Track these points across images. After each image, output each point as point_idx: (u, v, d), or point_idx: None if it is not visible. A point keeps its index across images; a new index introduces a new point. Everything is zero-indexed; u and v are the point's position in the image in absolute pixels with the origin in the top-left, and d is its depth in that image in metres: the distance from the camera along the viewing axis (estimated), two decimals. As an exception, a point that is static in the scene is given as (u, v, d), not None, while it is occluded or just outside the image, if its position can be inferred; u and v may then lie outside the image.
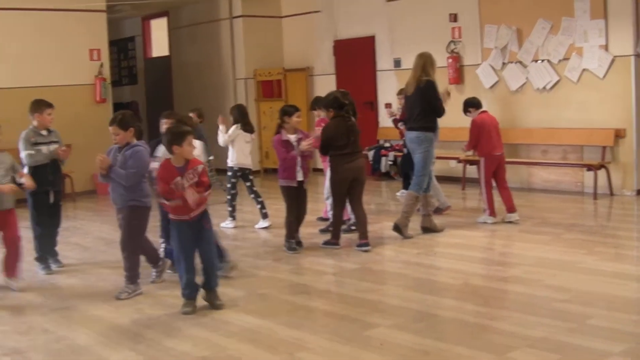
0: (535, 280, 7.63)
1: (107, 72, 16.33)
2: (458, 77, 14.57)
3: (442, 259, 8.80)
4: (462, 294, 7.46)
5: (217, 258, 7.48)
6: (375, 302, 7.28)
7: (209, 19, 18.92)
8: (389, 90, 15.94)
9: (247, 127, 11.45)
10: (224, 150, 11.41)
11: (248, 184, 11.41)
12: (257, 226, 11.35)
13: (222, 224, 11.37)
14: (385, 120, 15.74)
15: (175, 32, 20.34)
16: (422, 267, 8.52)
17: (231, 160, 11.34)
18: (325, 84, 17.07)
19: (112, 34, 18.43)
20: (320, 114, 10.87)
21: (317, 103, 11.26)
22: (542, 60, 13.37)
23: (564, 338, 5.88)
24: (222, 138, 11.35)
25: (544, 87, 13.40)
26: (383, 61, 16.25)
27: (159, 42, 21.43)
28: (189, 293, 7.17)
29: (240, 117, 11.44)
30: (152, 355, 6.00)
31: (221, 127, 11.39)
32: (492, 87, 14.17)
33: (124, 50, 22.80)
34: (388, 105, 15.23)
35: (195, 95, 19.05)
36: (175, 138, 7.01)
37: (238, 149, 11.30)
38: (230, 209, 11.46)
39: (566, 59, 13.08)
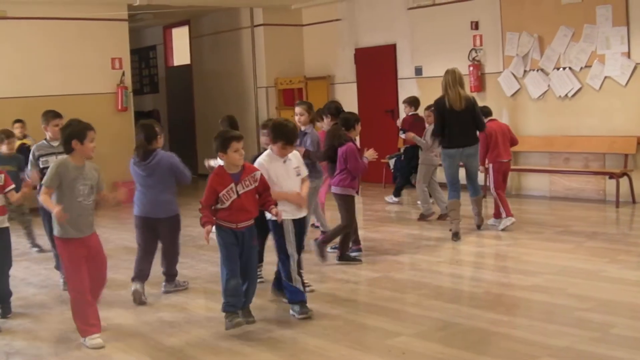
0: (558, 289, 7.59)
1: (128, 80, 16.39)
2: (479, 84, 14.53)
3: (463, 267, 8.77)
4: (484, 302, 7.44)
5: (256, 276, 7.18)
6: (396, 310, 7.26)
7: (230, 27, 18.96)
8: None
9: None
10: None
11: None
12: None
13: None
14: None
15: (197, 40, 20.39)
16: (444, 275, 8.49)
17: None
18: (346, 92, 17.08)
19: (134, 42, 18.48)
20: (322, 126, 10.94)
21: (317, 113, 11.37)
22: (564, 68, 13.32)
23: (586, 347, 5.84)
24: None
25: (566, 95, 13.34)
26: (404, 69, 16.21)
27: (181, 51, 21.50)
28: (235, 302, 6.72)
29: (231, 127, 11.53)
30: (173, 364, 6.02)
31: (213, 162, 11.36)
32: (513, 95, 14.12)
33: (145, 58, 22.89)
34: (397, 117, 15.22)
35: (217, 104, 19.08)
36: (219, 145, 6.68)
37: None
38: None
39: (588, 66, 13.02)
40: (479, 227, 10.83)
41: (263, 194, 6.82)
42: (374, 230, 11.22)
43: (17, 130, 11.88)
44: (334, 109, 9.88)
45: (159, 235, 8.00)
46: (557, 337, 6.11)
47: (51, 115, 8.94)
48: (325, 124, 10.04)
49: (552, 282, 7.86)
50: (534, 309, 7.09)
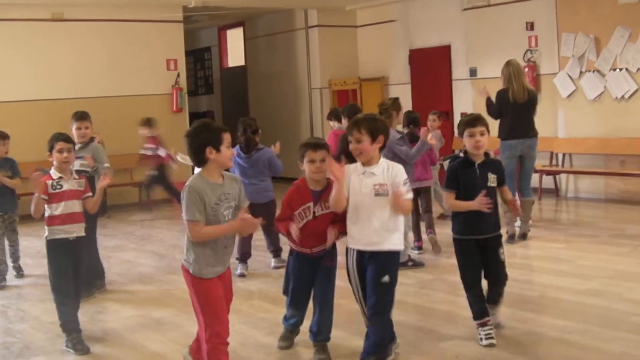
0: (613, 293, 7.52)
1: (183, 82, 16.51)
2: (535, 86, 14.37)
3: (518, 271, 8.70)
4: (539, 306, 7.39)
5: (330, 305, 6.13)
6: (450, 313, 7.24)
7: (285, 29, 19.02)
8: (465, 100, 15.85)
9: None
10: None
11: None
12: None
13: None
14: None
15: (251, 42, 20.48)
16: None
17: None
18: (401, 94, 16.97)
19: (189, 44, 18.62)
20: (334, 125, 11.11)
21: (333, 114, 11.58)
22: (621, 69, 13.17)
23: (642, 353, 5.79)
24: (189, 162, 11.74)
25: (622, 96, 13.19)
26: (459, 70, 16.15)
27: (235, 52, 21.60)
28: (291, 326, 6.38)
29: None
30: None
31: (180, 156, 12.21)
32: (569, 96, 13.98)
33: (200, 60, 23.03)
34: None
35: (271, 105, 19.17)
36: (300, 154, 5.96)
37: None
38: None
39: (645, 67, 12.89)
40: (524, 236, 10.39)
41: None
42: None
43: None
44: (353, 112, 10.06)
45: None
46: (612, 342, 6.06)
47: (73, 117, 8.56)
48: (344, 125, 10.27)
49: (608, 286, 7.79)
50: (589, 313, 7.02)
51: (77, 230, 6.69)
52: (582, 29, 13.66)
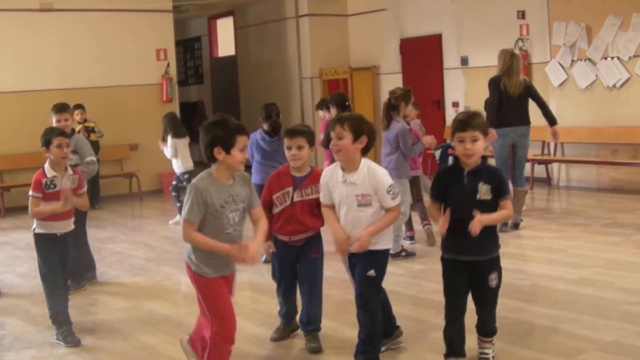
0: (606, 282, 7.52)
1: (173, 71, 16.46)
2: (526, 75, 14.31)
3: (509, 260, 8.66)
4: (531, 295, 7.39)
5: (319, 294, 6.10)
6: (441, 303, 7.17)
7: (275, 18, 18.96)
8: (457, 89, 15.83)
9: (179, 133, 12.09)
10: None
11: (185, 183, 11.96)
12: (172, 222, 12.19)
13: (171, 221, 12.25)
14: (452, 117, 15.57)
15: (241, 31, 20.42)
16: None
17: (180, 167, 12.01)
18: (392, 83, 16.95)
19: (179, 33, 18.58)
20: (325, 115, 11.18)
21: (322, 104, 11.64)
22: (612, 58, 13.15)
23: (635, 342, 5.79)
24: (168, 152, 12.07)
25: (614, 85, 13.18)
26: (450, 59, 16.11)
27: (225, 42, 21.56)
28: (283, 317, 6.38)
29: (171, 125, 12.16)
30: (218, 356, 6.01)
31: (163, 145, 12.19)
32: (560, 85, 13.96)
33: (190, 50, 22.99)
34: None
35: (261, 95, 19.09)
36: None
37: (182, 156, 11.99)
38: (179, 204, 12.02)
39: (637, 55, 12.84)
40: (516, 226, 10.40)
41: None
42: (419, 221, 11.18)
43: (78, 116, 12.23)
44: (341, 100, 10.24)
45: None
46: (605, 331, 6.06)
47: (55, 109, 8.29)
48: (332, 114, 10.34)
49: (600, 275, 7.79)
50: (581, 302, 7.01)
51: (66, 226, 6.60)
52: (573, 18, 13.63)
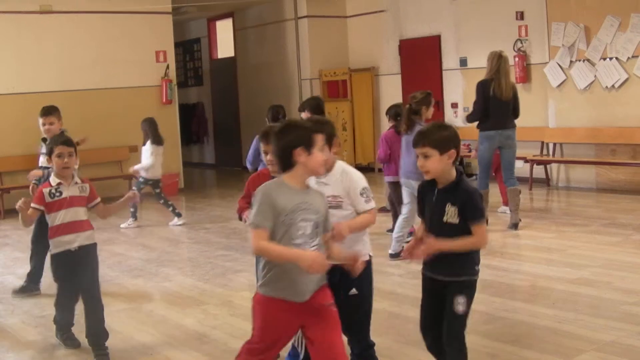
0: (605, 283, 7.52)
1: (173, 73, 16.47)
2: (525, 75, 14.41)
3: (509, 260, 8.70)
4: (530, 296, 7.40)
5: None
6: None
7: (274, 19, 18.98)
8: (456, 90, 15.85)
9: (159, 140, 12.19)
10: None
11: (157, 190, 12.26)
12: (171, 224, 12.27)
13: (122, 225, 12.34)
14: (451, 119, 15.60)
15: (241, 33, 20.44)
16: (489, 268, 8.43)
17: (147, 173, 12.10)
18: (391, 84, 17.05)
19: (178, 35, 18.58)
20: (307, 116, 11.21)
21: (304, 105, 11.61)
22: (611, 58, 13.16)
23: (633, 342, 5.79)
24: (146, 157, 12.17)
25: (613, 86, 13.18)
26: (449, 60, 16.13)
27: (225, 43, 21.56)
28: None
29: (151, 130, 12.25)
30: (218, 357, 6.03)
31: (137, 167, 12.27)
32: (559, 86, 13.97)
33: (189, 51, 22.99)
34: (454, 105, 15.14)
35: (261, 96, 19.10)
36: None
37: (156, 162, 12.11)
38: (132, 209, 12.31)
39: (635, 56, 12.84)
40: (515, 226, 10.40)
41: None
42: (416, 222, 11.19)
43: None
44: (315, 105, 10.11)
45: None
46: (603, 332, 6.06)
47: (41, 112, 8.17)
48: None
49: (599, 276, 7.79)
50: (579, 302, 7.02)
51: (79, 239, 6.08)
52: (572, 18, 13.64)
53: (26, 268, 8.47)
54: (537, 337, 6.14)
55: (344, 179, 4.89)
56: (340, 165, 4.97)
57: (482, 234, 4.53)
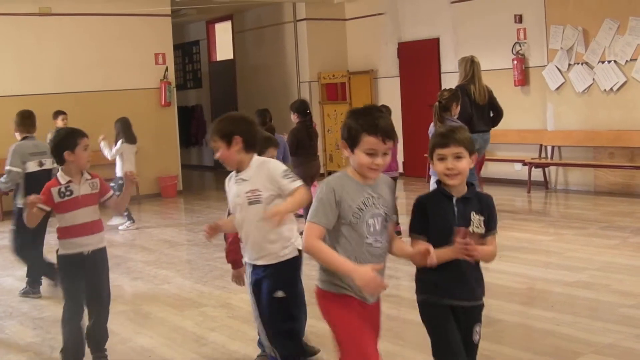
0: (602, 285, 7.53)
1: (172, 75, 16.48)
2: (523, 78, 14.42)
3: (507, 263, 8.70)
4: (528, 298, 7.41)
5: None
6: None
7: (273, 22, 18.99)
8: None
9: (131, 139, 12.40)
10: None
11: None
12: (121, 227, 12.33)
13: (121, 227, 12.34)
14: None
15: (240, 35, 20.45)
16: (487, 270, 8.35)
17: (121, 171, 12.14)
18: (390, 87, 17.06)
19: (177, 37, 18.58)
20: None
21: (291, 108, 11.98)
22: (609, 61, 13.16)
23: (631, 344, 5.80)
24: (108, 153, 12.34)
25: (611, 89, 13.19)
26: (447, 63, 16.13)
27: (224, 46, 21.58)
28: None
29: (124, 130, 12.41)
30: (217, 359, 6.04)
31: (103, 144, 12.34)
32: (558, 88, 13.97)
33: (188, 54, 22.99)
34: None
35: (260, 99, 19.11)
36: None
37: (126, 160, 12.25)
38: (126, 213, 12.27)
39: (634, 59, 12.85)
40: None
41: None
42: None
43: (61, 122, 12.15)
44: (302, 108, 10.53)
45: None
46: (602, 334, 6.07)
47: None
48: (293, 121, 10.79)
49: (597, 278, 7.80)
50: (577, 305, 7.03)
51: (93, 242, 5.80)
52: (570, 21, 13.65)
53: (24, 270, 8.48)
54: (535, 339, 6.14)
55: (262, 168, 4.79)
56: (257, 159, 4.87)
57: (496, 245, 4.25)
